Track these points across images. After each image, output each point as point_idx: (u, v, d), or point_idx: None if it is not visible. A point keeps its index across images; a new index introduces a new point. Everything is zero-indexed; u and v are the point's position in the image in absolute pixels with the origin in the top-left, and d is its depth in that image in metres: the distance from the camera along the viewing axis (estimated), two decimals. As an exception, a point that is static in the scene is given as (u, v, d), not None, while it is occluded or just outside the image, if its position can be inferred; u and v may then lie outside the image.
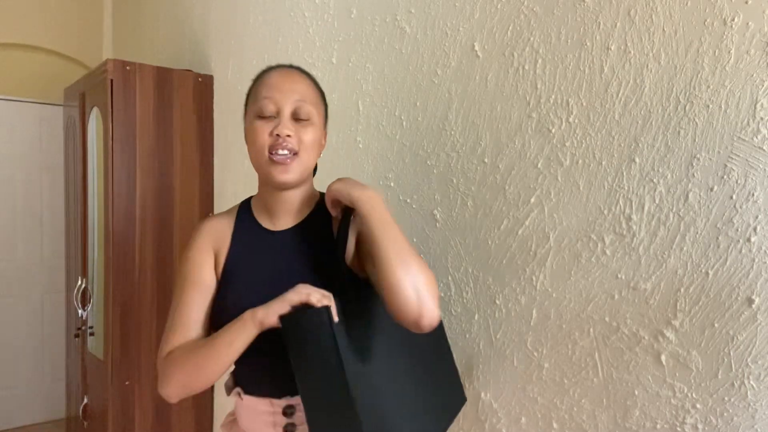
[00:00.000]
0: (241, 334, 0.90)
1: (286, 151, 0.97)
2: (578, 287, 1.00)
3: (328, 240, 1.04)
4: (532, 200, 1.07)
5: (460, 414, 1.19)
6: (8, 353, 3.30)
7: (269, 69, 1.04)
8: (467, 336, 1.20)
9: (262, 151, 0.98)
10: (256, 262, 1.04)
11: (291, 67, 1.05)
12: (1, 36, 3.21)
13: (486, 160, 1.15)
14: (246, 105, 1.06)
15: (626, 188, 0.93)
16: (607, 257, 0.96)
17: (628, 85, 0.92)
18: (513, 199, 1.10)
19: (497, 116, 1.13)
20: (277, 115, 0.98)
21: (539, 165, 1.05)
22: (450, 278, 1.23)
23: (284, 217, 1.05)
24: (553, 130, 1.03)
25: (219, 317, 1.00)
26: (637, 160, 0.92)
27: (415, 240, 1.30)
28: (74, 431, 2.61)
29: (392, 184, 1.37)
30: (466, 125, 1.19)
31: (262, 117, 0.98)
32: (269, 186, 1.03)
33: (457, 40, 1.21)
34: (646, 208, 0.91)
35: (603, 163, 0.96)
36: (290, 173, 0.98)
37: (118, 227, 2.02)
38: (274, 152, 0.97)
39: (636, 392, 0.92)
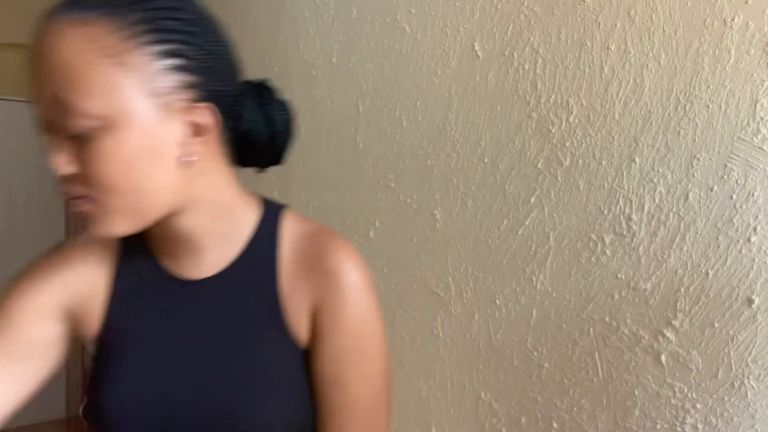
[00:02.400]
0: None
1: (77, 201, 0.54)
2: (578, 287, 1.00)
3: (270, 296, 0.63)
4: (532, 200, 1.07)
5: (461, 414, 1.19)
6: (8, 353, 3.30)
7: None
8: (467, 336, 1.20)
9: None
10: (158, 333, 0.62)
11: (50, 17, 0.51)
12: (1, 36, 3.21)
13: (486, 160, 1.15)
14: None
15: (626, 188, 0.93)
16: (607, 257, 0.96)
17: (628, 85, 0.92)
18: (513, 199, 1.10)
19: (497, 116, 1.13)
20: (48, 130, 0.53)
21: (539, 165, 1.05)
22: (450, 278, 1.23)
23: (194, 255, 0.64)
24: (553, 130, 1.03)
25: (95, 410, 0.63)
26: (637, 160, 0.92)
27: (414, 240, 1.30)
28: (74, 431, 2.61)
29: (392, 184, 1.37)
30: (466, 125, 1.19)
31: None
32: None
33: (457, 40, 1.21)
34: (646, 208, 0.91)
35: (603, 163, 0.96)
36: (103, 227, 0.55)
37: (118, 227, 2.02)
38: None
39: (636, 392, 0.92)
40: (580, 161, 0.99)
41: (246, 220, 0.66)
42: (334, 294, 0.61)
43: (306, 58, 1.67)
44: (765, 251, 0.78)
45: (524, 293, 1.09)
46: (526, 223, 1.08)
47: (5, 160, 3.29)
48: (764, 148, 0.78)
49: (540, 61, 1.05)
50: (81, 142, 0.51)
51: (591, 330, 0.98)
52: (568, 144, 1.01)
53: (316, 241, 0.65)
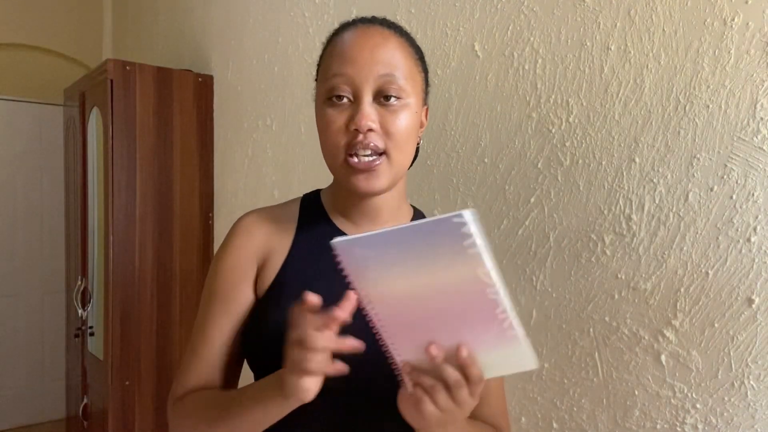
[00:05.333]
0: (270, 407, 0.64)
1: (368, 152, 0.70)
2: (578, 287, 1.00)
3: None
4: (532, 200, 1.07)
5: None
6: (8, 353, 3.30)
7: (342, 28, 0.76)
8: (467, 336, 1.20)
9: (335, 151, 0.72)
10: (328, 277, 0.70)
11: (372, 21, 0.76)
12: (1, 36, 3.21)
13: (486, 160, 1.15)
14: (316, 78, 0.78)
15: (626, 188, 0.93)
16: (607, 257, 0.96)
17: (628, 85, 0.92)
18: (513, 199, 1.10)
19: (497, 116, 1.13)
20: (354, 98, 0.71)
21: (539, 165, 1.05)
22: (450, 278, 1.23)
23: (370, 225, 0.79)
24: (553, 130, 1.03)
25: (259, 343, 0.75)
26: (637, 160, 0.92)
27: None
28: (74, 431, 2.61)
29: (392, 184, 1.37)
30: (466, 125, 1.19)
31: (333, 102, 0.71)
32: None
33: (457, 40, 1.21)
34: (646, 208, 0.91)
35: (603, 163, 0.96)
36: (377, 181, 0.71)
37: (118, 227, 2.02)
38: (352, 153, 0.70)
39: (636, 392, 0.92)
40: (580, 161, 0.99)
41: (406, 210, 0.84)
42: None
43: (306, 58, 1.67)
44: (765, 251, 0.78)
45: (524, 293, 1.09)
46: (526, 223, 1.08)
47: (5, 160, 3.29)
48: (764, 148, 0.78)
49: (540, 61, 1.05)
50: (388, 109, 0.71)
51: (591, 330, 0.98)
52: (568, 144, 1.01)
53: None
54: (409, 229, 0.54)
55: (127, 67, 2.04)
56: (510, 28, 1.10)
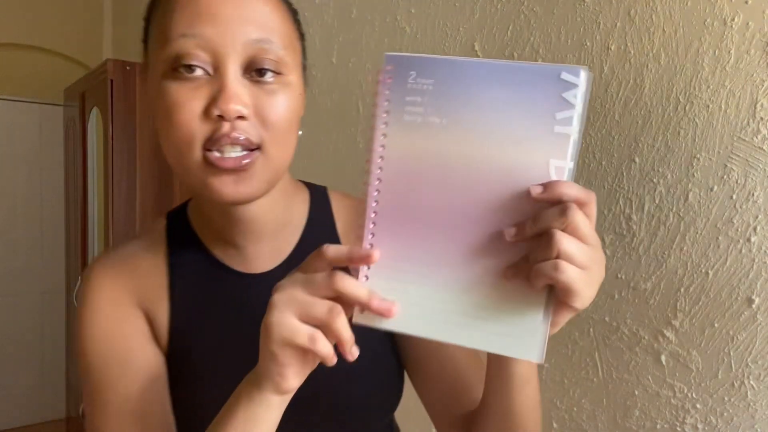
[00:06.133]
0: (261, 419, 0.47)
1: (238, 148, 0.51)
2: (578, 287, 1.00)
3: None
4: (532, 200, 1.07)
5: (460, 414, 1.19)
6: (8, 353, 3.30)
7: None
8: (467, 336, 1.20)
9: (185, 147, 0.50)
10: (229, 335, 0.58)
11: None
12: (1, 36, 3.21)
13: (486, 160, 1.15)
14: (145, 41, 0.57)
15: (626, 188, 0.93)
16: (607, 257, 0.96)
17: (628, 85, 0.92)
18: (513, 199, 1.10)
19: (497, 116, 1.13)
20: (215, 70, 0.50)
21: (539, 165, 1.05)
22: (450, 278, 1.23)
23: (256, 244, 0.60)
24: (553, 130, 1.03)
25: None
26: (637, 160, 0.92)
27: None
28: (74, 431, 2.61)
29: (392, 184, 1.37)
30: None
31: (180, 74, 0.50)
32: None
33: (457, 40, 1.21)
34: (646, 208, 0.91)
35: (603, 163, 0.96)
36: (249, 184, 0.52)
37: (118, 227, 2.03)
38: (214, 149, 0.50)
39: (636, 392, 0.92)
40: (580, 161, 0.99)
41: (300, 206, 0.65)
42: None
43: (306, 58, 1.67)
44: (765, 251, 0.78)
45: (524, 293, 1.08)
46: (526, 223, 1.08)
47: (5, 160, 3.29)
48: (764, 148, 0.78)
49: (540, 61, 1.05)
50: (263, 88, 0.53)
51: (591, 330, 0.98)
52: (568, 144, 1.01)
53: None
54: (496, 68, 0.39)
55: (127, 67, 2.04)
56: (510, 28, 1.10)
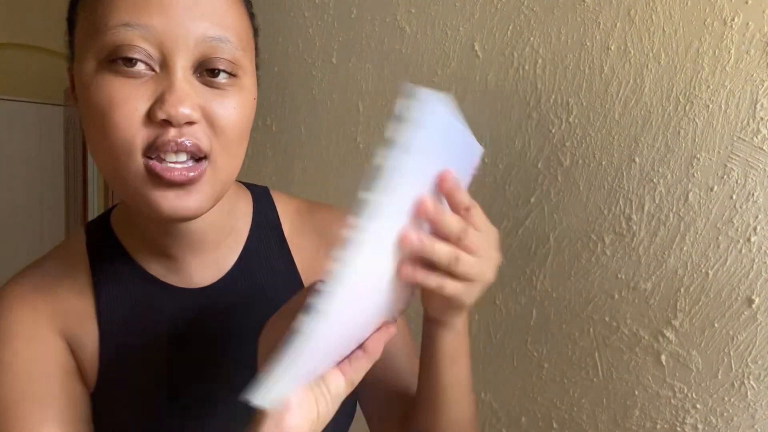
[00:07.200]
0: None
1: (183, 155, 0.45)
2: (578, 287, 1.00)
3: (291, 281, 0.56)
4: (532, 200, 1.07)
5: (460, 414, 1.19)
6: (8, 353, 3.30)
7: None
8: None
9: (122, 154, 0.44)
10: (169, 357, 0.52)
11: None
12: (1, 36, 3.21)
13: (486, 159, 1.15)
14: (71, 31, 0.49)
15: (626, 188, 0.93)
16: (607, 257, 0.96)
17: (628, 85, 0.92)
18: (513, 199, 1.10)
19: (497, 116, 1.13)
20: (161, 66, 0.44)
21: (539, 165, 1.05)
22: (450, 278, 1.23)
23: (196, 256, 0.54)
24: (553, 130, 1.03)
25: None
26: (637, 160, 0.92)
27: (415, 240, 1.29)
28: (74, 431, 2.61)
29: (392, 184, 1.37)
30: (466, 125, 1.19)
31: (119, 67, 0.43)
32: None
33: (457, 40, 1.21)
34: (646, 208, 0.91)
35: (603, 163, 0.96)
36: (194, 199, 0.46)
37: (118, 227, 2.03)
38: (154, 156, 0.44)
39: (636, 392, 0.92)
40: (580, 161, 0.99)
41: (243, 209, 0.60)
42: None
43: (306, 58, 1.67)
44: (765, 251, 0.78)
45: (524, 293, 1.09)
46: (526, 223, 1.08)
47: (5, 160, 3.30)
48: (764, 148, 0.78)
49: (540, 61, 1.05)
50: (213, 90, 0.47)
51: (591, 330, 0.98)
52: (568, 144, 1.01)
53: (323, 215, 0.63)
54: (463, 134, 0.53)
55: (127, 67, 2.04)
56: (510, 28, 1.10)
